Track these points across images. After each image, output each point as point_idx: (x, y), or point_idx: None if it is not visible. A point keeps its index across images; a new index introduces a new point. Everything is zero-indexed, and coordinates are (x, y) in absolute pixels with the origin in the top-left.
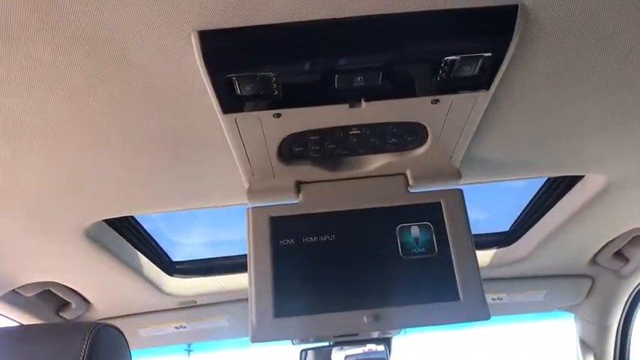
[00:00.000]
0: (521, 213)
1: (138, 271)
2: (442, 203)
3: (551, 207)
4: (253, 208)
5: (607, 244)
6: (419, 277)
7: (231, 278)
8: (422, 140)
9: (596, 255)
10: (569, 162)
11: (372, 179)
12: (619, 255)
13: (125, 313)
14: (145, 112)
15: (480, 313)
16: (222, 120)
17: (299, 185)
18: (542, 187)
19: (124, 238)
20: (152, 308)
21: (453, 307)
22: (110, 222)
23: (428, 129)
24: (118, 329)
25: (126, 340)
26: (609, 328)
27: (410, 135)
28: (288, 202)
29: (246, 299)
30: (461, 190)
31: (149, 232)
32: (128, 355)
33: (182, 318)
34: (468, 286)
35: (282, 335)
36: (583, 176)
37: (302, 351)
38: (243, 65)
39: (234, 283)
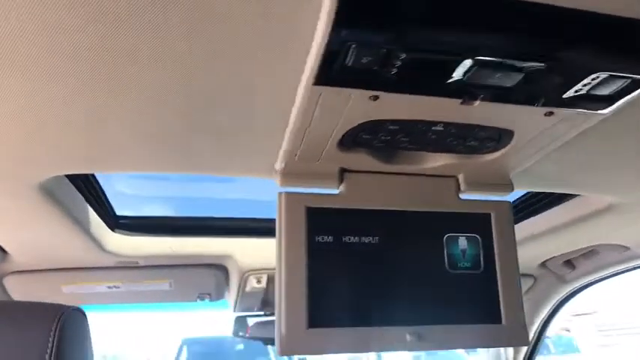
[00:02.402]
0: None
1: (81, 225)
2: (492, 215)
3: (526, 219)
4: (287, 193)
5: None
6: (464, 295)
7: (181, 241)
8: (497, 147)
9: (548, 259)
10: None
11: (423, 178)
12: (568, 262)
13: (50, 267)
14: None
15: (520, 338)
16: (304, 90)
17: (342, 173)
18: (522, 196)
19: (78, 191)
20: (86, 265)
21: (494, 330)
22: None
23: (515, 138)
24: (81, 311)
25: (88, 321)
26: (531, 326)
27: (491, 140)
28: (327, 191)
29: (193, 265)
30: (510, 203)
31: (99, 181)
32: (90, 337)
33: (117, 278)
34: (510, 309)
35: (315, 349)
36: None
37: (237, 317)
38: (378, 32)
39: (184, 246)
